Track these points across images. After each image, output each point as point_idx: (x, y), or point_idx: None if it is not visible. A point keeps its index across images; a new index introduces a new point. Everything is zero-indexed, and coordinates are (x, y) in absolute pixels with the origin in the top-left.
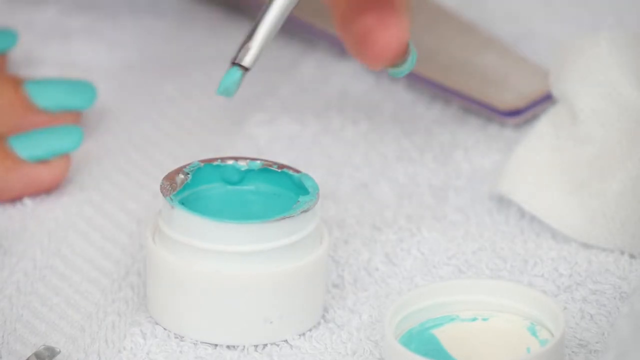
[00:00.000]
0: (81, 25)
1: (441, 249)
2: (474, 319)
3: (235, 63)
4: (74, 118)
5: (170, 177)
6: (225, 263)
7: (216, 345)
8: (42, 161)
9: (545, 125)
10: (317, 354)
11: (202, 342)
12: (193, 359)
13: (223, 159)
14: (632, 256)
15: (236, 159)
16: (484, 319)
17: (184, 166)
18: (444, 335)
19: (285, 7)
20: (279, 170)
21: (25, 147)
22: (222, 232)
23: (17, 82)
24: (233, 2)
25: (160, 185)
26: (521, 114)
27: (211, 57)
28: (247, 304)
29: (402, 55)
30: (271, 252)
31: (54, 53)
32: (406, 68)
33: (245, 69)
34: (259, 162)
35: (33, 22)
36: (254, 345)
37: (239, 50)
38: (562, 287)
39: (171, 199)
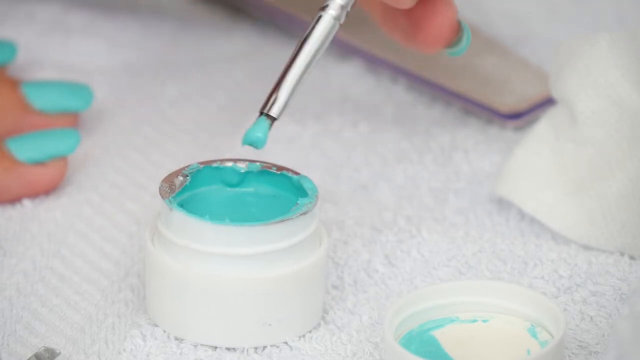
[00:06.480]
0: (81, 24)
1: (441, 251)
2: (474, 321)
3: (263, 113)
4: (70, 120)
5: (169, 179)
6: (224, 266)
7: (216, 347)
8: (39, 163)
9: (544, 127)
10: (317, 355)
11: (201, 344)
12: None
13: (222, 161)
14: (632, 257)
15: (235, 160)
16: (484, 321)
17: (183, 168)
18: (444, 337)
19: (312, 55)
20: (278, 172)
21: (22, 149)
22: (221, 234)
23: (14, 84)
24: (234, 2)
25: (159, 188)
26: (522, 116)
27: (211, 59)
28: (246, 306)
29: (455, 35)
30: (270, 254)
31: (53, 53)
32: (463, 46)
33: (273, 119)
34: (258, 164)
35: (32, 21)
36: (254, 347)
37: (267, 100)
38: (562, 289)
39: (170, 202)
